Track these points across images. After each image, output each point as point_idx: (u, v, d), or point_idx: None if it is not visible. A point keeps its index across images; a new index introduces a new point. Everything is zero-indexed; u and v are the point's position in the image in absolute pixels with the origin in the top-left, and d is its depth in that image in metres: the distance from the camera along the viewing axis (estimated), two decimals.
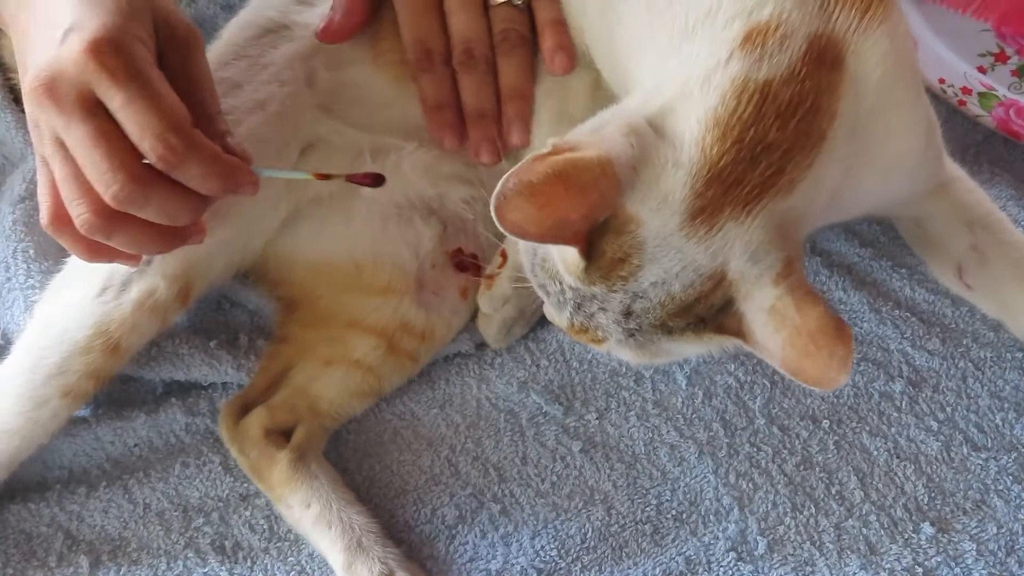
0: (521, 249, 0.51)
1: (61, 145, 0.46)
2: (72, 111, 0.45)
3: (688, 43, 0.47)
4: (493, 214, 0.43)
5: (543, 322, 0.67)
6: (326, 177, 0.53)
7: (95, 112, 0.45)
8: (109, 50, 0.45)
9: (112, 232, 0.47)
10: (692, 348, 0.48)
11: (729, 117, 0.44)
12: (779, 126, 0.44)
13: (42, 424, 0.57)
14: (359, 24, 0.60)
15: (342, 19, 0.59)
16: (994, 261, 0.61)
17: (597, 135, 0.45)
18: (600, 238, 0.45)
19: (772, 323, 0.44)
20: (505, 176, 0.43)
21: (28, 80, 0.46)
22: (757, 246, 0.45)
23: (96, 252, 0.50)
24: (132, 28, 0.47)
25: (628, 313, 0.46)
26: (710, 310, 0.45)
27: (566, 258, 0.46)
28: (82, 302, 0.56)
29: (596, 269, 0.45)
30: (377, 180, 0.52)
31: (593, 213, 0.44)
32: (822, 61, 0.45)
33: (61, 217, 0.48)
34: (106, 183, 0.45)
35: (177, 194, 0.47)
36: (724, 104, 0.44)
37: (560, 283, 0.48)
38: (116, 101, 0.45)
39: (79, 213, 0.47)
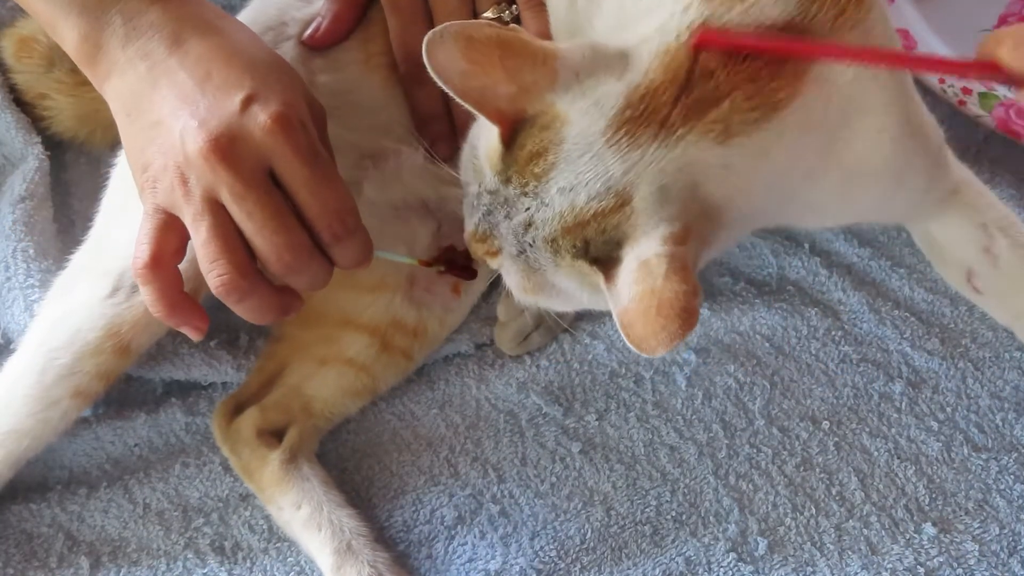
0: (467, 141, 0.51)
1: (217, 205, 0.47)
2: (251, 178, 0.46)
3: (651, 13, 0.47)
4: (423, 47, 0.43)
5: None
6: (429, 264, 0.59)
7: (271, 184, 0.47)
8: (296, 125, 0.47)
9: (247, 296, 0.49)
10: (566, 280, 0.48)
11: (679, 48, 0.45)
12: (725, 61, 0.44)
13: (52, 425, 0.57)
14: (347, 31, 0.60)
15: (330, 25, 0.60)
16: (1008, 265, 0.60)
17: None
18: (525, 132, 0.45)
19: (637, 274, 0.44)
20: (451, 22, 0.43)
21: (194, 136, 0.46)
22: (670, 182, 0.44)
23: (174, 310, 0.50)
24: (302, 104, 0.49)
25: (528, 224, 0.46)
26: (600, 235, 0.45)
27: (489, 143, 0.47)
28: (92, 303, 0.56)
29: (513, 162, 0.46)
30: (470, 275, 0.59)
31: (522, 96, 0.44)
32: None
33: (160, 263, 0.49)
34: (278, 253, 0.47)
35: (327, 268, 0.50)
36: (678, 38, 0.45)
37: (480, 184, 0.48)
38: (299, 177, 0.47)
39: (223, 272, 0.48)
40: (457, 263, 0.59)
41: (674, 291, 0.42)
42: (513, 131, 0.45)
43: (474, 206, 0.49)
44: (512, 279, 0.50)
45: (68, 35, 0.51)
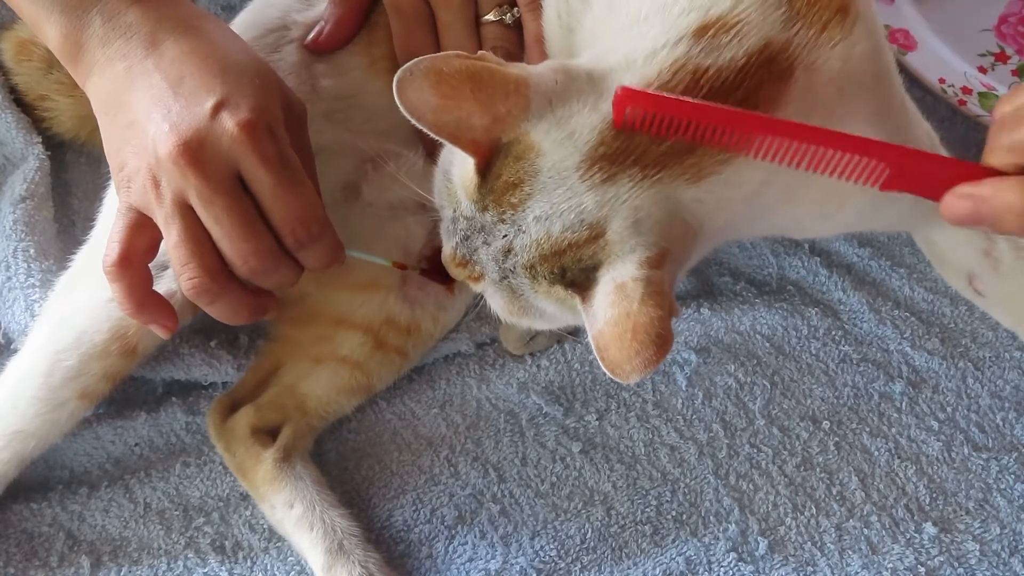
0: (438, 167, 0.51)
1: (187, 208, 0.48)
2: (219, 184, 0.47)
3: (639, 26, 0.47)
4: (394, 88, 0.43)
5: None
6: (403, 267, 0.60)
7: (239, 189, 0.48)
8: (264, 133, 0.48)
9: (218, 298, 0.50)
10: (548, 304, 0.48)
11: (658, 87, 0.45)
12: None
13: (59, 426, 0.58)
14: (349, 36, 0.61)
15: (332, 30, 0.60)
16: (1010, 268, 0.60)
17: (528, 66, 0.46)
18: (500, 161, 0.45)
19: (613, 296, 0.44)
20: (419, 58, 0.43)
21: (165, 139, 0.47)
22: (644, 216, 0.45)
23: (142, 307, 0.51)
24: (275, 108, 0.49)
25: (508, 251, 0.46)
26: (576, 264, 0.45)
27: (465, 173, 0.47)
28: (98, 305, 0.57)
29: (489, 192, 0.46)
30: (446, 279, 0.58)
31: (496, 126, 0.45)
32: (771, 67, 0.45)
33: (130, 261, 0.50)
34: (244, 258, 0.48)
35: (294, 270, 0.51)
36: (659, 76, 0.45)
37: (455, 209, 0.48)
38: (265, 184, 0.48)
39: (193, 275, 0.49)
40: (438, 266, 0.59)
41: (650, 316, 0.43)
42: (488, 160, 0.46)
43: (450, 230, 0.49)
44: (496, 303, 0.50)
45: (51, 33, 0.51)
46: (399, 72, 0.43)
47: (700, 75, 0.45)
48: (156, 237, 0.50)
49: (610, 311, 0.44)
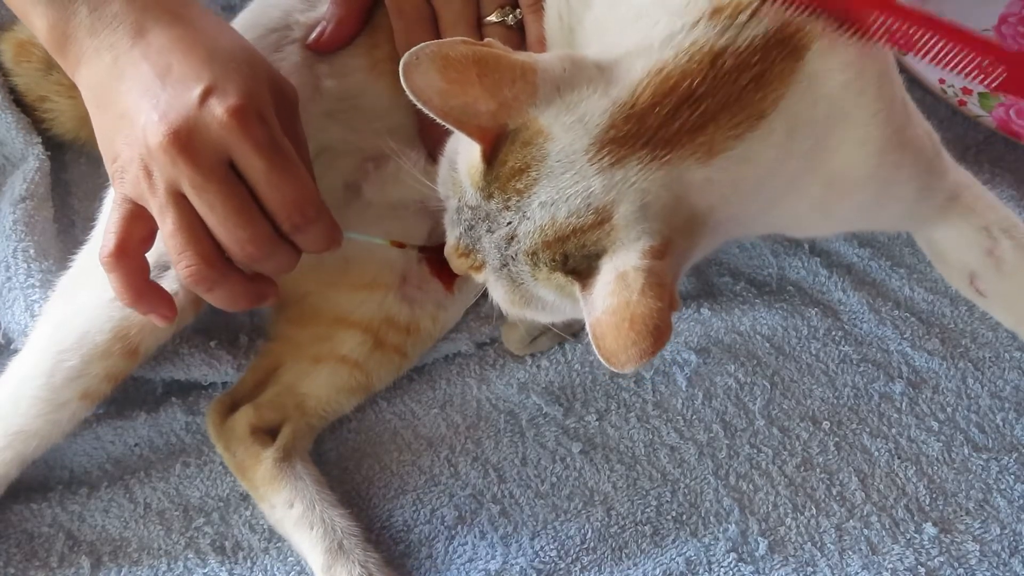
0: (443, 156, 0.51)
1: (180, 197, 0.48)
2: (210, 171, 0.47)
3: (647, 16, 0.47)
4: (400, 72, 0.43)
5: None
6: (401, 246, 0.59)
7: (232, 176, 0.48)
8: (253, 118, 0.47)
9: (216, 285, 0.50)
10: (547, 292, 0.48)
11: (672, 69, 0.45)
12: (712, 83, 0.44)
13: (60, 426, 0.58)
14: (351, 35, 0.61)
15: (334, 30, 0.60)
16: (1013, 268, 0.60)
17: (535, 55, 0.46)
18: (507, 148, 0.45)
19: (614, 285, 0.44)
20: (426, 43, 0.43)
21: (155, 129, 0.47)
22: (652, 200, 0.44)
23: (140, 297, 0.51)
24: (264, 94, 0.49)
25: (511, 238, 0.46)
26: (580, 250, 0.45)
27: (470, 161, 0.47)
28: (100, 305, 0.57)
29: (495, 178, 0.46)
30: (448, 273, 0.57)
31: (502, 112, 0.45)
32: (784, 46, 0.45)
33: (126, 252, 0.50)
34: (240, 244, 0.48)
35: (292, 255, 0.51)
36: (676, 60, 0.45)
37: (460, 199, 0.48)
38: (257, 169, 0.48)
39: (189, 263, 0.49)
40: (437, 253, 0.59)
41: (649, 307, 0.42)
42: (494, 147, 0.46)
43: (455, 220, 0.49)
44: (498, 293, 0.50)
45: (38, 24, 0.52)
46: (405, 56, 0.43)
47: (717, 56, 0.45)
48: (152, 227, 0.50)
49: (609, 300, 0.43)
